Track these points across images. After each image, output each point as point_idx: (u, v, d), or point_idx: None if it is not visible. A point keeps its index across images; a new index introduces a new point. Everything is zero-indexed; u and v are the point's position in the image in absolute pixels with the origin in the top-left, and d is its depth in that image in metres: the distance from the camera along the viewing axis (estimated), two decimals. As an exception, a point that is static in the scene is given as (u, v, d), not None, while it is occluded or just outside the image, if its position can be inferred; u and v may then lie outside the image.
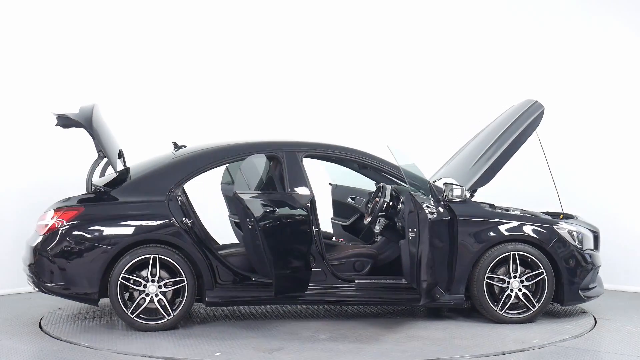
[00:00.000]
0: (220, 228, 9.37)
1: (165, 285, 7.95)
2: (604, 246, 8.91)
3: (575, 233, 8.53)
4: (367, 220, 8.82)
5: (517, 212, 8.64)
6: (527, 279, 8.31)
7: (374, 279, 8.51)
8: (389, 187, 8.64)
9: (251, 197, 7.80)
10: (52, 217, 7.98)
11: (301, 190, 8.20)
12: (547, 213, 9.00)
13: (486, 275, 8.27)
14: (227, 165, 8.95)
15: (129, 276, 7.89)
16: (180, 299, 7.97)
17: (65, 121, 8.10)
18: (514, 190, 10.65)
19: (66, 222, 7.92)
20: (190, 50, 11.32)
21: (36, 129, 10.00)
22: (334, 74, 11.72)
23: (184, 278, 7.95)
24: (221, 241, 9.06)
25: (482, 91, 11.41)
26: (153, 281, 7.91)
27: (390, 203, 8.58)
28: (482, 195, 8.96)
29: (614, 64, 10.91)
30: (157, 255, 7.93)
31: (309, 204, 8.09)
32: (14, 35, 10.18)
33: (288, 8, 11.69)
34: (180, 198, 8.15)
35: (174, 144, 8.95)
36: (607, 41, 10.95)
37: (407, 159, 8.38)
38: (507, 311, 8.30)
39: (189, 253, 8.02)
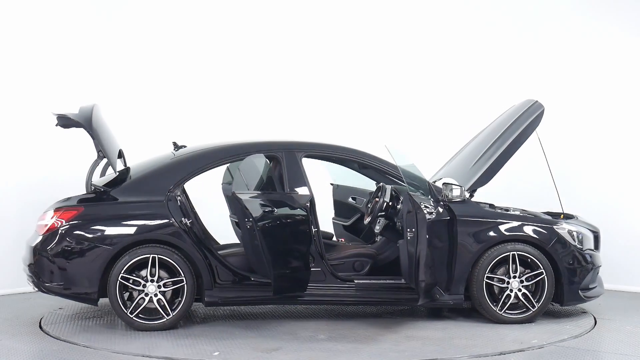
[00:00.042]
0: (221, 228, 9.36)
1: (165, 285, 7.96)
2: (604, 246, 8.89)
3: (575, 233, 8.52)
4: (367, 220, 8.82)
5: (517, 212, 8.63)
6: (527, 279, 8.29)
7: (374, 279, 8.50)
8: (388, 187, 8.64)
9: (249, 197, 7.80)
10: (52, 217, 8.00)
11: (300, 191, 8.20)
12: (548, 213, 8.99)
13: (486, 275, 8.26)
14: (228, 165, 8.95)
15: (128, 276, 7.90)
16: (180, 298, 7.98)
17: (65, 121, 8.13)
18: (515, 191, 10.65)
19: (66, 222, 7.93)
20: (190, 50, 11.33)
21: (36, 129, 10.01)
22: (333, 74, 11.71)
23: (183, 278, 7.96)
24: (222, 241, 9.06)
25: (483, 91, 11.40)
26: (152, 281, 7.92)
27: (390, 203, 8.57)
28: (483, 196, 8.95)
29: (614, 64, 10.89)
30: (156, 255, 7.94)
31: (308, 204, 8.09)
32: (14, 35, 10.20)
33: (288, 8, 11.68)
34: (179, 198, 8.16)
35: (174, 144, 8.96)
36: (607, 41, 10.94)
37: (406, 159, 8.38)
38: (506, 311, 8.29)
39: (188, 253, 8.03)
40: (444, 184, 8.53)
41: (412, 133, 11.36)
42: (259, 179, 8.11)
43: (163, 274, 7.98)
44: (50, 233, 7.93)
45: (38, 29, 10.33)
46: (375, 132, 11.08)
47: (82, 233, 7.92)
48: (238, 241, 9.20)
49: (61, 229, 7.91)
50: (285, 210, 7.94)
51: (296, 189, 8.21)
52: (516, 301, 8.30)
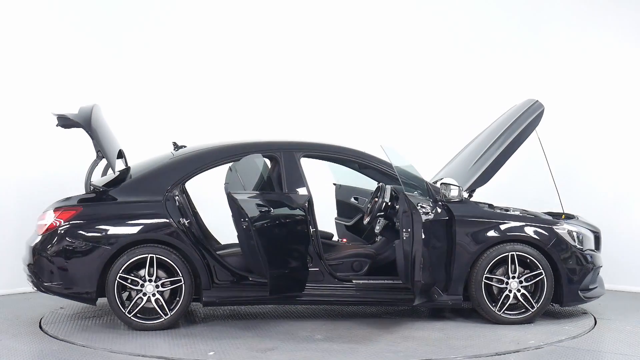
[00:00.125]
0: (225, 228, 9.36)
1: (163, 285, 7.98)
2: (604, 246, 8.84)
3: (575, 233, 8.48)
4: (366, 220, 8.82)
5: (517, 213, 8.60)
6: (526, 280, 8.26)
7: (372, 279, 8.49)
8: (388, 187, 8.62)
9: (245, 197, 7.80)
10: (51, 217, 8.02)
11: (299, 191, 8.19)
12: (549, 213, 8.96)
13: (484, 275, 8.24)
14: (230, 165, 8.95)
15: (126, 276, 7.92)
16: (178, 298, 7.99)
17: (65, 121, 8.16)
18: (515, 191, 10.63)
19: (64, 222, 7.96)
20: (190, 50, 11.35)
21: (36, 129, 10.04)
22: (333, 75, 11.70)
23: (181, 278, 7.97)
24: (224, 241, 9.06)
25: (483, 91, 11.38)
26: (150, 281, 7.94)
27: (390, 203, 8.56)
28: (484, 196, 8.93)
29: (614, 64, 10.86)
30: (154, 255, 7.95)
31: (306, 204, 8.09)
32: (14, 35, 10.24)
33: (287, 8, 11.68)
34: (177, 198, 8.17)
35: (174, 144, 8.97)
36: (607, 41, 10.91)
37: (403, 159, 8.35)
38: (505, 312, 8.27)
39: (186, 253, 8.04)
40: (442, 184, 8.51)
41: (413, 133, 11.34)
42: (256, 179, 8.11)
43: (161, 273, 8.00)
44: (50, 233, 7.96)
45: (38, 29, 10.36)
46: (375, 133, 11.06)
47: (81, 233, 7.94)
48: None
49: (60, 228, 7.94)
50: (282, 210, 7.94)
51: (294, 189, 8.20)
52: (515, 302, 8.27)
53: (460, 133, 10.19)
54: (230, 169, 9.08)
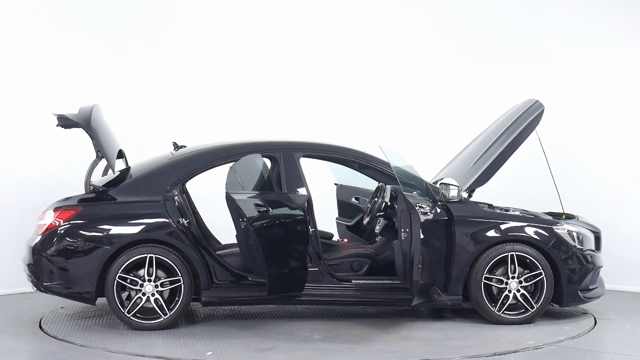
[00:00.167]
0: (225, 227, 9.36)
1: (162, 285, 7.98)
2: (604, 246, 8.82)
3: (575, 233, 8.46)
4: (366, 220, 8.82)
5: (517, 213, 8.59)
6: (526, 280, 8.25)
7: (371, 279, 8.48)
8: (388, 187, 8.62)
9: (244, 197, 7.81)
10: (51, 217, 8.03)
11: (298, 191, 8.19)
12: (549, 213, 8.94)
13: (484, 275, 8.23)
14: (231, 165, 8.95)
15: (125, 275, 7.92)
16: (177, 298, 7.99)
17: (64, 121, 8.18)
18: (516, 191, 10.63)
19: (64, 222, 7.97)
20: (190, 50, 11.36)
21: (36, 129, 10.06)
22: (333, 75, 11.69)
23: (181, 278, 7.98)
24: (224, 241, 9.06)
25: (483, 91, 11.37)
26: (150, 281, 7.95)
27: (389, 203, 8.56)
28: (484, 196, 8.92)
29: (614, 64, 10.85)
30: (153, 255, 7.96)
31: (305, 204, 8.09)
32: (14, 35, 10.26)
33: (287, 9, 11.68)
34: (177, 198, 8.17)
35: (174, 144, 8.97)
36: (607, 41, 10.90)
37: (402, 159, 8.34)
38: (505, 312, 8.25)
39: (186, 253, 8.05)
40: (441, 184, 8.51)
41: (414, 133, 11.35)
42: (256, 179, 8.11)
43: (160, 273, 8.01)
44: (49, 233, 7.97)
45: (38, 29, 10.38)
46: (375, 133, 11.06)
47: (81, 232, 7.95)
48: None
49: (60, 228, 7.95)
50: (281, 210, 7.94)
51: (294, 189, 8.20)
52: (515, 302, 8.26)
53: (460, 133, 10.19)
54: (231, 169, 9.10)
